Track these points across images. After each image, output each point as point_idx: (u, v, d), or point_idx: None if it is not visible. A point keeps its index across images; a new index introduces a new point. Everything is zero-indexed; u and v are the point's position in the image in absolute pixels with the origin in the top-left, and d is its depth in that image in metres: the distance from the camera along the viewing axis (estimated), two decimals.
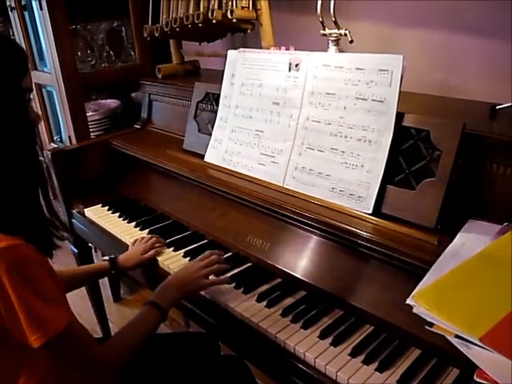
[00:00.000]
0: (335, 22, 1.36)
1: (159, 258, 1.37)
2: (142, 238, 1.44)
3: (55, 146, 2.32)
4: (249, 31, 1.78)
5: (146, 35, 2.00)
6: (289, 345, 1.01)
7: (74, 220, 1.80)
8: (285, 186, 1.35)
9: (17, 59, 0.89)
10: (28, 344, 0.83)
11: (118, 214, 1.67)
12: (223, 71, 1.58)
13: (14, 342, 0.85)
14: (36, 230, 0.91)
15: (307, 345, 1.00)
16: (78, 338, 0.91)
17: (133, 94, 2.42)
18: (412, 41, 1.64)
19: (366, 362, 0.95)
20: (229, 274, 1.26)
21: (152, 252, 1.37)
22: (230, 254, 1.36)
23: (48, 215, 0.98)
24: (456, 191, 1.08)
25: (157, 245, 1.40)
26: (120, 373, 0.97)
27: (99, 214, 1.70)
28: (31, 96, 0.95)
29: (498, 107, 1.25)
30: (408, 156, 1.16)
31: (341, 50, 1.38)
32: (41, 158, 0.96)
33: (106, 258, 1.37)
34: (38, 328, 0.83)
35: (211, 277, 1.21)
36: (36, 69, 2.25)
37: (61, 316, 0.86)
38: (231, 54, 1.56)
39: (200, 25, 1.71)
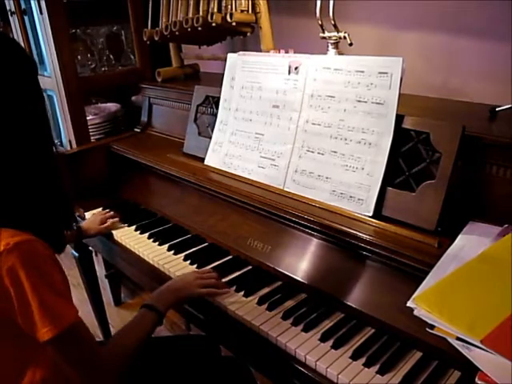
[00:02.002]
0: (334, 25, 1.36)
1: (163, 264, 1.37)
2: (100, 212, 1.68)
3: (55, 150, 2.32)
4: (248, 34, 1.79)
5: (145, 39, 2.00)
6: (290, 348, 1.01)
7: (74, 224, 1.80)
8: (285, 189, 1.35)
9: (29, 57, 0.93)
10: (37, 338, 0.84)
11: (118, 218, 1.67)
12: (223, 74, 1.58)
13: (24, 336, 0.86)
14: (51, 224, 0.93)
15: (308, 347, 1.00)
16: (82, 335, 0.92)
17: (133, 98, 2.42)
18: (411, 43, 1.64)
19: (367, 364, 0.95)
20: (229, 277, 1.26)
21: (106, 225, 1.59)
22: (230, 257, 1.37)
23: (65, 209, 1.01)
24: (456, 193, 1.08)
25: (112, 219, 1.62)
26: (120, 375, 0.97)
27: None
28: None
29: (497, 109, 1.25)
30: (408, 158, 1.16)
31: (340, 53, 1.38)
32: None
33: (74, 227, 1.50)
34: (50, 320, 0.83)
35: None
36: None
37: (70, 311, 0.87)
38: (231, 57, 1.57)
39: (199, 28, 1.71)
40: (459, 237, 1.02)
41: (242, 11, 1.66)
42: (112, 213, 1.66)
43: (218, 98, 1.60)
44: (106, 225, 1.60)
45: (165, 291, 1.16)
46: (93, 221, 1.63)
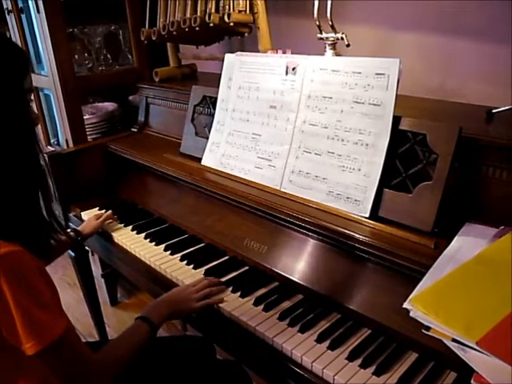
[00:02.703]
0: (332, 26, 1.36)
1: (159, 264, 1.36)
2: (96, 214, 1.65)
3: (52, 149, 2.32)
4: (246, 35, 1.78)
5: (143, 39, 2.00)
6: (286, 348, 1.01)
7: (70, 223, 1.80)
8: (282, 190, 1.35)
9: (18, 60, 0.89)
10: (22, 352, 0.83)
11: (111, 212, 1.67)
12: (220, 74, 1.58)
13: (11, 348, 0.85)
14: (34, 234, 0.91)
15: (304, 348, 1.00)
16: (72, 347, 0.91)
17: (130, 98, 2.42)
18: (409, 44, 1.64)
19: (364, 365, 0.95)
20: (226, 278, 1.26)
21: (104, 216, 1.60)
22: (227, 257, 1.36)
23: (47, 218, 0.98)
24: (452, 194, 1.08)
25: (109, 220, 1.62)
26: (111, 381, 0.97)
27: None
28: (31, 97, 0.95)
29: (494, 111, 1.25)
30: (405, 159, 1.16)
31: (337, 54, 1.38)
32: (41, 161, 0.96)
33: (69, 230, 1.57)
34: (33, 335, 0.82)
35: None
36: (33, 72, 2.24)
37: (56, 324, 0.86)
38: (228, 57, 1.57)
39: (197, 28, 1.71)
40: (456, 238, 1.02)
41: (239, 11, 1.66)
42: (109, 212, 1.64)
43: (216, 99, 1.60)
44: (101, 219, 1.59)
45: (161, 304, 1.16)
46: (88, 220, 1.63)
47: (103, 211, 1.69)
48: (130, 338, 1.06)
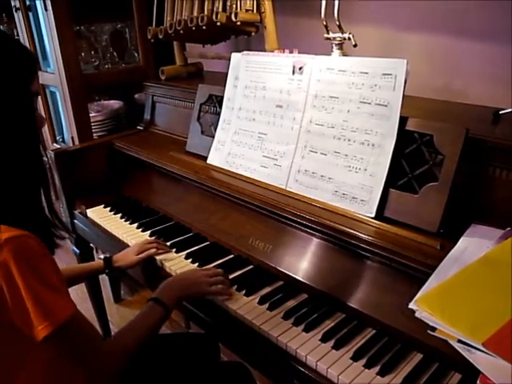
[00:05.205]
0: (339, 26, 1.36)
1: (163, 261, 1.37)
2: (146, 240, 1.44)
3: (58, 146, 2.33)
4: (253, 34, 1.78)
5: (149, 37, 2.00)
6: (290, 347, 1.01)
7: (75, 220, 1.80)
8: (287, 189, 1.35)
9: (27, 63, 0.90)
10: (33, 336, 0.83)
11: (120, 215, 1.67)
12: (227, 74, 1.59)
13: (18, 337, 0.85)
14: (36, 229, 0.92)
15: (309, 348, 1.00)
16: (83, 330, 0.92)
17: (136, 96, 2.42)
18: (415, 45, 1.64)
19: (368, 365, 0.95)
20: (231, 277, 1.26)
21: (146, 252, 1.36)
22: (231, 256, 1.37)
23: (49, 215, 0.99)
24: (459, 196, 1.08)
25: (155, 248, 1.38)
26: (123, 368, 0.98)
27: (101, 215, 1.70)
28: (38, 100, 0.96)
29: (501, 112, 1.25)
30: (411, 160, 1.16)
31: (344, 54, 1.38)
32: (44, 159, 0.97)
33: (102, 256, 1.38)
34: (45, 317, 0.82)
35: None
36: (40, 69, 2.26)
37: (67, 305, 0.87)
38: (235, 56, 1.57)
39: (204, 27, 1.72)
40: (461, 239, 1.02)
41: (246, 11, 1.66)
42: (156, 242, 1.41)
43: (222, 97, 1.60)
44: (144, 254, 1.36)
45: (172, 285, 1.15)
46: (128, 252, 1.40)
47: (152, 239, 1.46)
48: (144, 320, 1.06)
